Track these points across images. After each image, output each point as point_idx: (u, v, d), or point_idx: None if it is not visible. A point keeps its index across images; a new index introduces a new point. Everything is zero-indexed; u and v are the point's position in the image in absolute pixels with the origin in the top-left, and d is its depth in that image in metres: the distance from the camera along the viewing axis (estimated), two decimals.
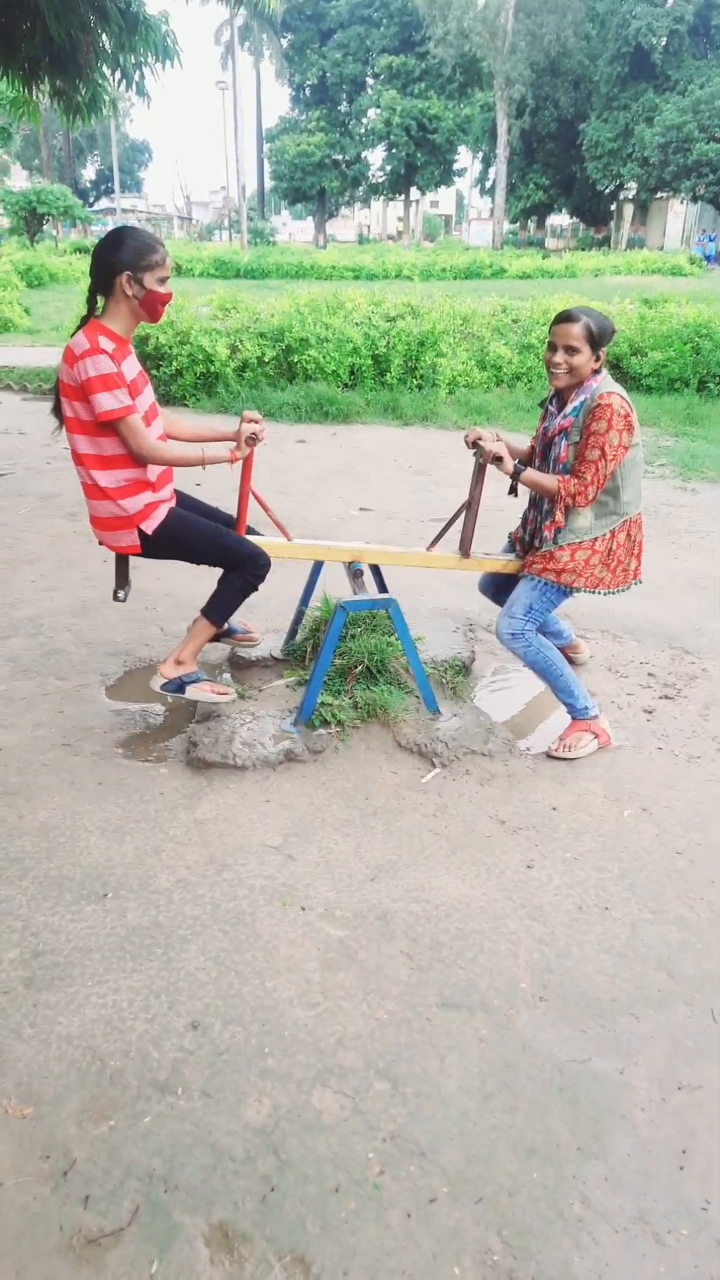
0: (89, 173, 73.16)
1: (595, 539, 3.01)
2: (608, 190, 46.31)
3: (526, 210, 51.43)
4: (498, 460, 2.98)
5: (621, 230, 48.43)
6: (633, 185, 44.07)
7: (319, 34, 52.31)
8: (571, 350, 2.87)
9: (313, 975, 2.17)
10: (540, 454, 3.12)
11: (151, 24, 6.63)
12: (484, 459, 3.06)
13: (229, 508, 3.25)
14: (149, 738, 3.22)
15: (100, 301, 2.80)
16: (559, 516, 2.98)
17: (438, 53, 44.93)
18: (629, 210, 48.52)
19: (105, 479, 2.82)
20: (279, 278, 27.01)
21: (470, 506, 3.24)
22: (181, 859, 2.57)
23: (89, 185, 71.17)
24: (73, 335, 2.74)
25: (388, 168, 52.41)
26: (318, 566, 3.58)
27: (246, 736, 3.08)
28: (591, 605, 4.43)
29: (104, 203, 64.05)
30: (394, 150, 50.25)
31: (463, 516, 3.28)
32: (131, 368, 2.81)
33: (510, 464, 2.98)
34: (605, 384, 2.90)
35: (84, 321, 2.78)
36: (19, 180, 51.03)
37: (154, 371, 9.28)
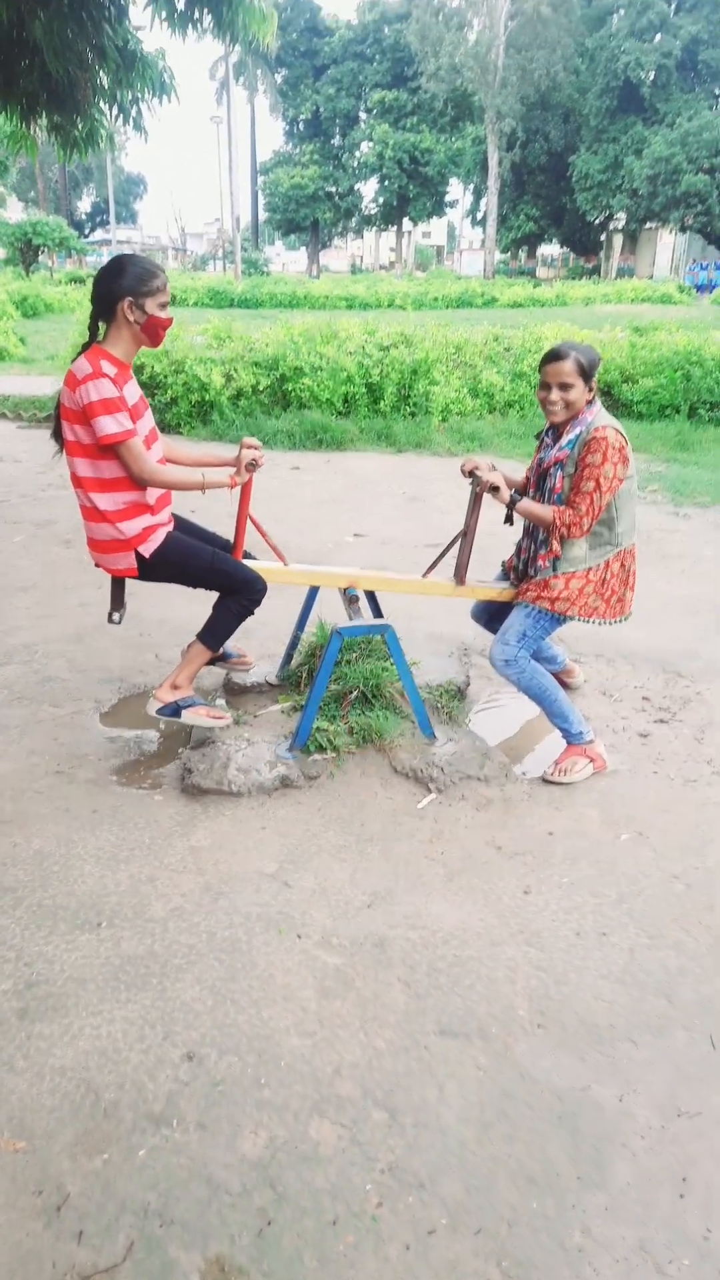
0: (84, 204, 73.99)
1: (590, 568, 3.03)
2: (597, 220, 47.02)
3: (517, 240, 52.18)
4: (494, 490, 3.02)
5: (611, 260, 49.11)
6: (622, 216, 44.77)
7: (313, 70, 53.24)
8: (565, 386, 2.91)
9: (309, 1004, 2.15)
10: (535, 484, 3.15)
11: (148, 61, 6.73)
12: (480, 489, 3.09)
13: (226, 533, 3.27)
14: (143, 764, 3.22)
15: (102, 327, 2.83)
16: (555, 546, 3.01)
17: (429, 87, 45.77)
18: (618, 240, 49.25)
19: (104, 502, 2.84)
20: (273, 307, 27.29)
21: (466, 535, 3.27)
22: (177, 887, 2.55)
23: (84, 217, 71.95)
24: (74, 360, 2.77)
25: (380, 199, 53.18)
26: (313, 592, 3.59)
27: (242, 763, 3.07)
28: (585, 630, 4.44)
29: (99, 234, 64.77)
30: (386, 182, 51.04)
31: (458, 545, 3.30)
32: (133, 392, 2.84)
33: (507, 493, 3.02)
34: (600, 416, 2.94)
35: (86, 347, 2.80)
36: (15, 212, 51.53)
37: (149, 400, 9.32)
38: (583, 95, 43.87)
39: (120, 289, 2.74)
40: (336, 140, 54.28)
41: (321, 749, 3.16)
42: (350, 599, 3.29)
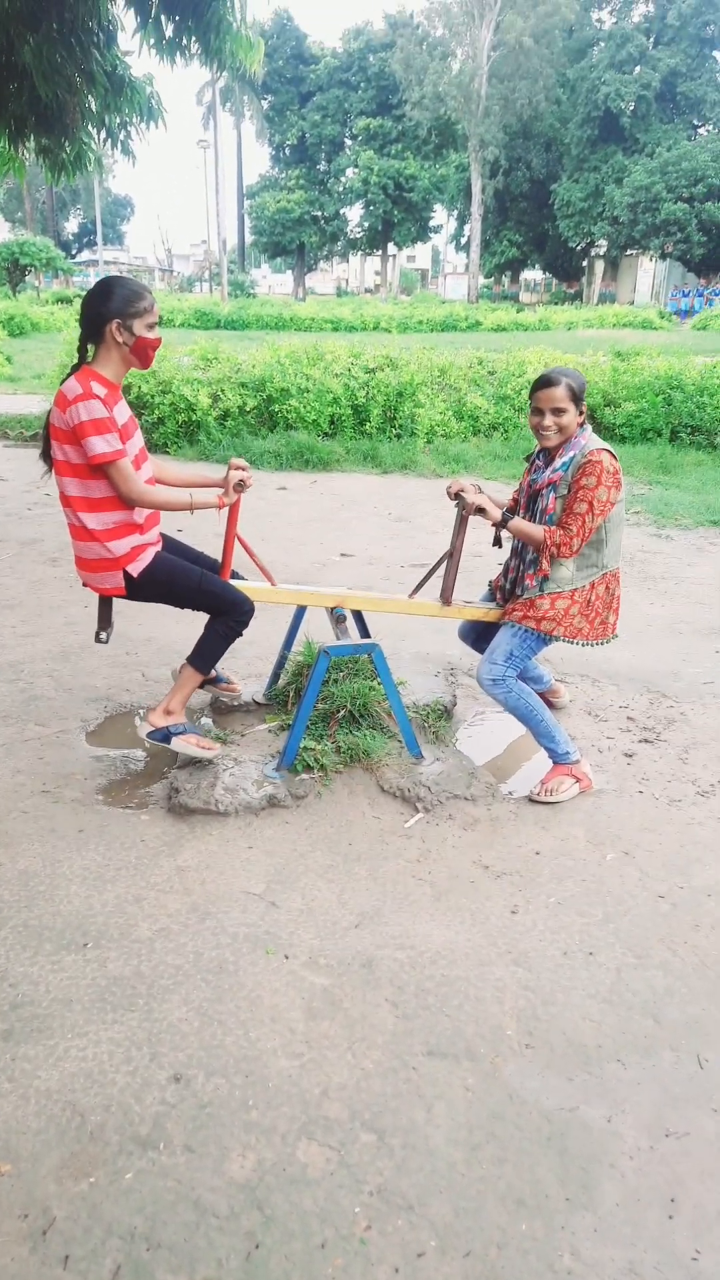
0: (71, 225, 74.39)
1: (575, 589, 3.06)
2: (579, 247, 47.76)
3: (500, 265, 52.88)
4: (480, 511, 3.05)
5: (593, 285, 49.80)
6: (603, 243, 45.51)
7: (299, 96, 53.92)
8: (559, 411, 2.95)
9: (297, 1025, 2.14)
10: (526, 506, 3.18)
11: (136, 86, 6.80)
12: (466, 511, 3.12)
13: (214, 553, 3.28)
14: (130, 784, 3.20)
15: (91, 349, 2.85)
16: (545, 566, 3.04)
17: (414, 116, 46.48)
18: (600, 266, 49.99)
19: (93, 521, 2.85)
20: (259, 329, 27.43)
21: (452, 556, 3.29)
22: (163, 907, 2.54)
23: (71, 237, 72.34)
24: (64, 381, 2.79)
25: (365, 224, 53.79)
26: (300, 611, 3.61)
27: (229, 782, 3.07)
28: (570, 651, 4.47)
29: (86, 254, 65.01)
30: (371, 208, 51.66)
31: (444, 565, 3.33)
32: (122, 413, 2.86)
33: (496, 513, 3.05)
34: (593, 440, 2.98)
35: (75, 368, 2.82)
36: (2, 232, 51.81)
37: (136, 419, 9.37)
38: (564, 125, 44.71)
39: (108, 311, 2.76)
40: (322, 165, 54.92)
41: (309, 768, 3.16)
42: (338, 618, 3.30)
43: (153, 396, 9.38)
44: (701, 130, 43.71)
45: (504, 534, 3.19)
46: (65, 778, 3.20)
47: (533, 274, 60.77)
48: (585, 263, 50.64)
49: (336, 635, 3.24)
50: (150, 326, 2.82)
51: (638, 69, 41.67)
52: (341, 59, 52.79)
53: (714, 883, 2.74)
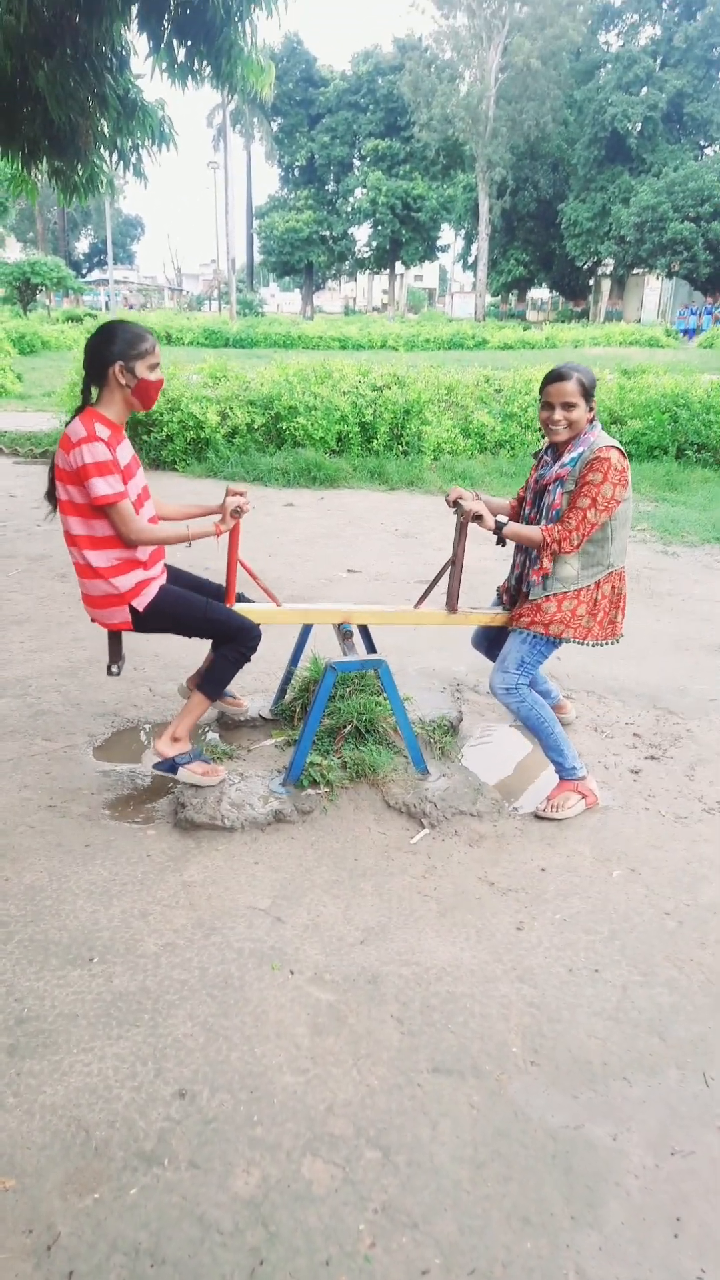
0: (82, 245, 75.16)
1: (581, 589, 3.07)
2: (586, 266, 48.04)
3: (508, 284, 53.22)
4: (478, 518, 3.06)
5: (600, 304, 50.08)
6: (610, 262, 45.78)
7: (308, 118, 54.52)
8: (569, 406, 2.95)
9: (302, 1040, 2.14)
10: (532, 502, 3.19)
11: (148, 109, 6.90)
12: (464, 518, 3.14)
13: (217, 577, 3.31)
14: (136, 799, 3.22)
15: (95, 392, 2.90)
16: (545, 563, 3.05)
17: (422, 137, 46.92)
18: (606, 285, 50.28)
19: (97, 559, 2.90)
20: (267, 347, 27.63)
21: (454, 563, 3.31)
22: (169, 922, 2.55)
23: (82, 257, 73.06)
24: (69, 423, 2.84)
25: (373, 244, 54.24)
26: (307, 628, 3.63)
27: (235, 797, 3.08)
28: (576, 666, 4.48)
29: (97, 274, 65.73)
30: (379, 227, 52.09)
31: (448, 573, 3.34)
32: (125, 453, 2.92)
33: (491, 519, 3.06)
34: (602, 437, 2.99)
35: (79, 410, 2.87)
36: (13, 251, 52.32)
37: (145, 437, 9.45)
38: (571, 145, 45.10)
39: (111, 354, 2.82)
40: (331, 186, 55.47)
41: (315, 783, 3.17)
42: (344, 634, 3.32)
43: (161, 414, 9.45)
44: (708, 150, 44.07)
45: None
46: (72, 793, 3.21)
47: (539, 292, 61.13)
48: (592, 281, 50.94)
49: (343, 651, 3.26)
50: (152, 368, 2.89)
51: (644, 90, 42.04)
52: (350, 81, 53.41)
53: None
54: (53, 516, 2.98)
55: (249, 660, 3.13)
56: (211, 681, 3.13)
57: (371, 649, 3.54)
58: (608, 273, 48.80)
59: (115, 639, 3.19)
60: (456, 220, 54.00)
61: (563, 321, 43.46)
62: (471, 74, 45.11)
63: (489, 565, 5.83)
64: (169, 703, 3.91)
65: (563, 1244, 1.68)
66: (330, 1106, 1.96)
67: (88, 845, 2.90)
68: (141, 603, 2.98)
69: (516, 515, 3.30)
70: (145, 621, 3.02)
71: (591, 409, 3.00)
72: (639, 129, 42.23)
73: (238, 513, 3.04)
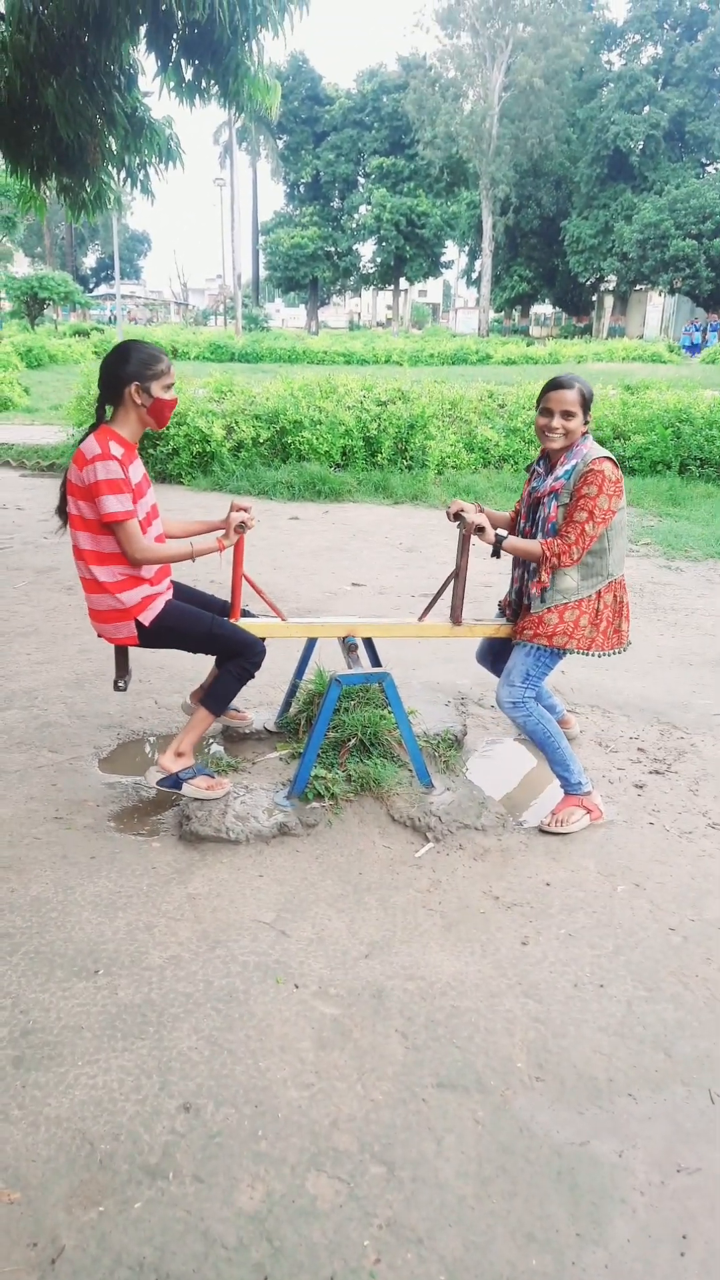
0: (90, 260, 75.73)
1: (582, 599, 3.08)
2: (589, 282, 48.25)
3: (511, 300, 53.46)
4: (479, 531, 3.08)
5: (603, 320, 50.28)
6: (613, 278, 45.97)
7: (313, 136, 54.95)
8: (568, 415, 2.98)
9: (306, 1055, 2.14)
10: (526, 515, 3.20)
11: (156, 127, 6.97)
12: (466, 530, 3.16)
13: (222, 592, 3.32)
14: (142, 811, 3.22)
15: (109, 410, 2.94)
16: (544, 577, 3.06)
17: (426, 154, 47.24)
18: (609, 301, 50.49)
19: (104, 574, 2.93)
20: (272, 362, 27.76)
21: (458, 575, 3.32)
22: (174, 935, 2.55)
23: (89, 272, 73.62)
24: (83, 440, 2.88)
25: (378, 259, 54.53)
26: (312, 641, 3.64)
27: (239, 810, 3.08)
28: (581, 680, 4.48)
29: (104, 288, 66.09)
30: (384, 243, 52.39)
31: (451, 586, 3.36)
32: (137, 471, 2.97)
33: (492, 534, 3.07)
34: (595, 449, 3.01)
35: (94, 427, 2.91)
36: (21, 266, 52.72)
37: (151, 450, 9.50)
38: (574, 163, 45.39)
39: (127, 374, 2.87)
40: (336, 203, 55.86)
41: (319, 797, 3.17)
42: (349, 647, 3.33)
43: (168, 428, 9.50)
44: (710, 169, 44.30)
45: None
46: (77, 805, 3.22)
47: (543, 308, 61.39)
48: (595, 297, 51.15)
49: (348, 664, 3.27)
50: (167, 388, 2.93)
51: (647, 109, 42.33)
52: (355, 100, 53.83)
53: None
54: (63, 531, 3.02)
55: (253, 676, 3.14)
56: (215, 697, 3.15)
57: (376, 662, 3.56)
58: (610, 289, 48.99)
59: (122, 654, 3.21)
60: (460, 237, 54.30)
61: (566, 337, 43.67)
62: (475, 93, 45.46)
63: (493, 579, 5.84)
64: (174, 715, 3.92)
65: (568, 1261, 1.67)
66: (335, 1121, 1.96)
67: (93, 857, 2.90)
68: (148, 617, 3.00)
69: (513, 528, 3.32)
70: (150, 637, 3.05)
71: (588, 421, 3.02)
72: (641, 147, 42.50)
73: (242, 528, 3.07)
